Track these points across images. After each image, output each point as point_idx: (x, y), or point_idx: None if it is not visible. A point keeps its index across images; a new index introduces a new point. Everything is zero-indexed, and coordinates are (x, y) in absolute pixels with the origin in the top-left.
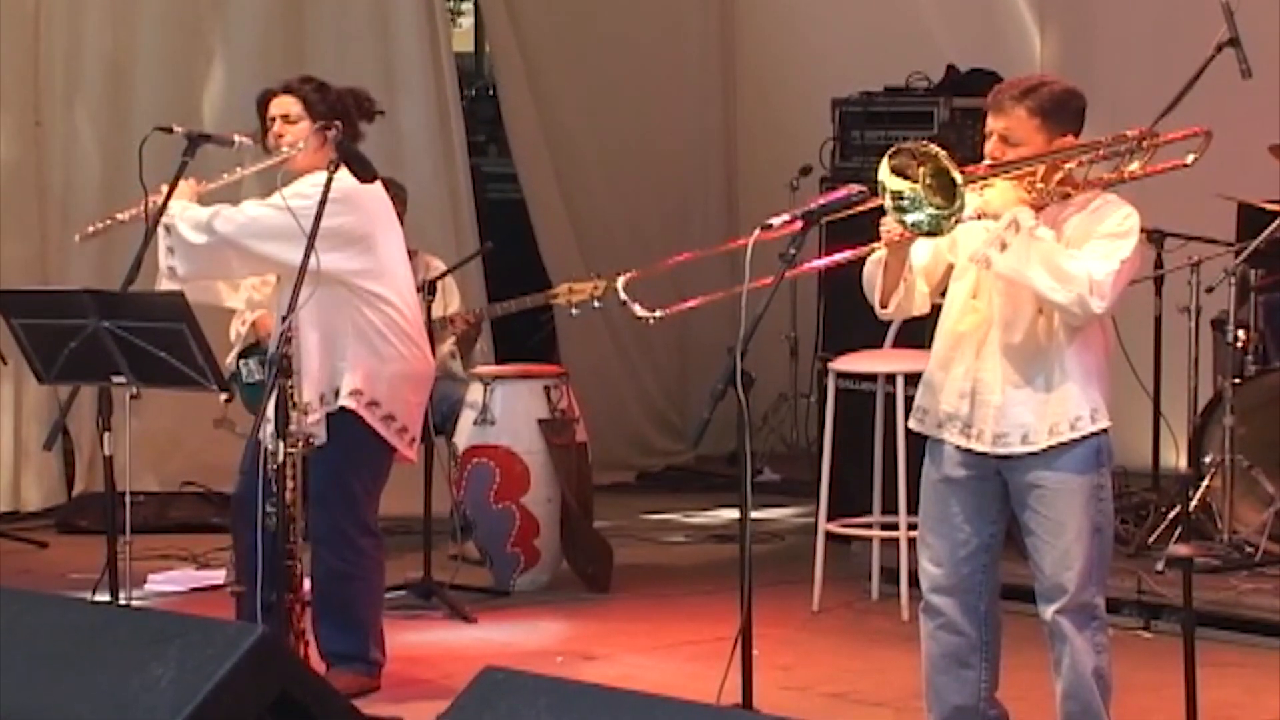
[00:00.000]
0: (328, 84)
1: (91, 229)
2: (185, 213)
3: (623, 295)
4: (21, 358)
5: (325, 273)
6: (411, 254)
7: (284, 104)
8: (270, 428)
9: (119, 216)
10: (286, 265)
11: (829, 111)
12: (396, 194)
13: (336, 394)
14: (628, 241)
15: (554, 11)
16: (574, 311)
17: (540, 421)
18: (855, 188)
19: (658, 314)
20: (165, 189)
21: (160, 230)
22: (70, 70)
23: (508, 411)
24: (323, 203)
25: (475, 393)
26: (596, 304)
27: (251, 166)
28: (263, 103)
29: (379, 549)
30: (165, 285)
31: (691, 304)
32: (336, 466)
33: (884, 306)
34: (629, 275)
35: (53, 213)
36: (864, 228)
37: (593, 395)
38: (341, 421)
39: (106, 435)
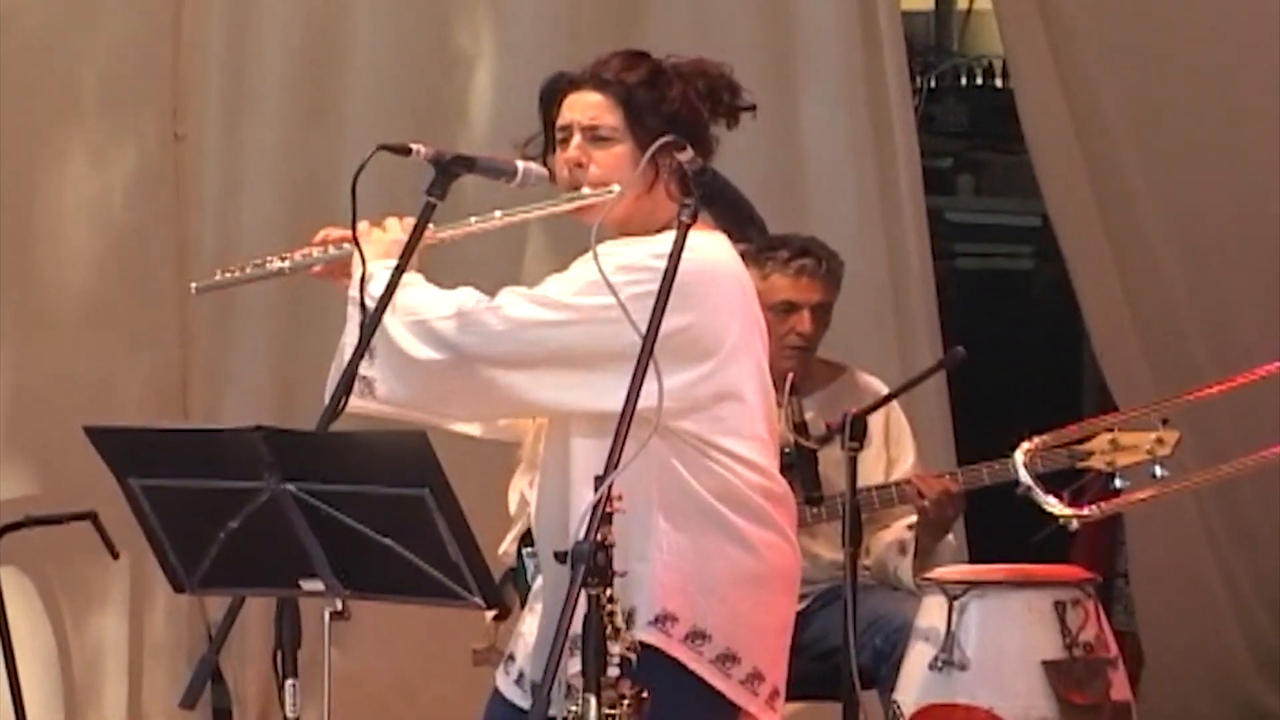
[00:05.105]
0: (662, 68)
1: (219, 275)
2: (407, 297)
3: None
4: (146, 547)
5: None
6: (836, 371)
7: (589, 106)
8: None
9: (271, 264)
10: (586, 409)
11: None
12: (826, 267)
13: (630, 617)
14: (1209, 342)
15: None
16: (1119, 482)
17: (1048, 664)
18: None
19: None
20: (367, 229)
21: (353, 308)
22: (234, 63)
23: (990, 646)
24: (666, 292)
25: (933, 613)
26: (1159, 471)
27: (522, 212)
28: (550, 99)
29: None
30: (356, 399)
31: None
32: None
33: None
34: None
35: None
36: None
37: (1148, 614)
38: (643, 664)
39: (290, 684)
